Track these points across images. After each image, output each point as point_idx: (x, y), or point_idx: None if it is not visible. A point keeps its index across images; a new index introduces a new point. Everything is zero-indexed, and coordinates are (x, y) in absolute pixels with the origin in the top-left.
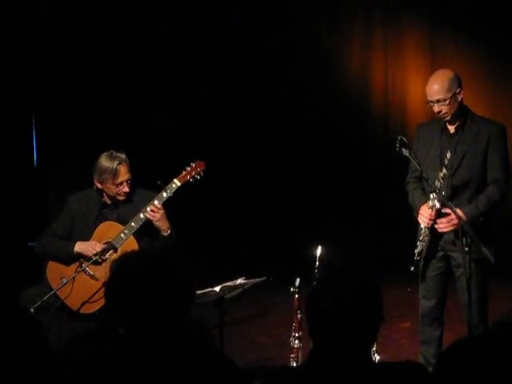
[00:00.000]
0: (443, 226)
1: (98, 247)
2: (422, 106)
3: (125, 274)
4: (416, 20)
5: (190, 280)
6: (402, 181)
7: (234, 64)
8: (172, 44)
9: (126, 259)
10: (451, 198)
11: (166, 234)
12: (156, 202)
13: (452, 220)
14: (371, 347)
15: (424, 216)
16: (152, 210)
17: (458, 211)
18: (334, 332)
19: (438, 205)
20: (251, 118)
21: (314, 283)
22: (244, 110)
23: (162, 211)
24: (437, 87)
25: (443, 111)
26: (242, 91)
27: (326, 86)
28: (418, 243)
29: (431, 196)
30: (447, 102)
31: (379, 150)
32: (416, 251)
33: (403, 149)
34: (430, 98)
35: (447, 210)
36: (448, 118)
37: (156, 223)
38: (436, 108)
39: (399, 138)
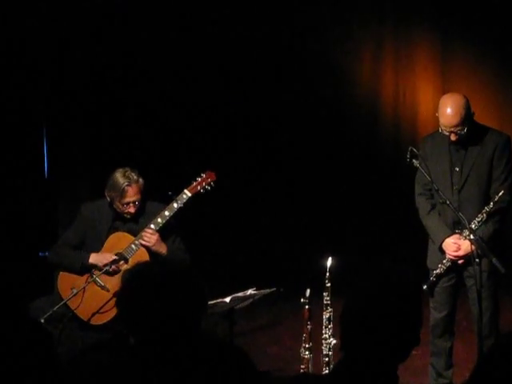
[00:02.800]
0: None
1: (112, 259)
2: (432, 117)
3: (137, 284)
4: (426, 32)
5: (201, 290)
6: (413, 192)
7: (243, 73)
8: (182, 54)
9: (137, 269)
10: (460, 211)
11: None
12: (150, 230)
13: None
14: (398, 367)
15: (463, 254)
16: (146, 237)
17: (469, 247)
18: (367, 345)
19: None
20: (260, 127)
21: (355, 290)
22: (253, 120)
23: (155, 236)
24: (456, 120)
25: (460, 137)
26: (251, 101)
27: (337, 97)
28: (440, 266)
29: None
30: (465, 128)
31: (389, 161)
32: (435, 272)
33: (414, 160)
34: (447, 129)
35: (462, 241)
36: (463, 139)
37: (153, 248)
38: (453, 137)
39: (410, 149)
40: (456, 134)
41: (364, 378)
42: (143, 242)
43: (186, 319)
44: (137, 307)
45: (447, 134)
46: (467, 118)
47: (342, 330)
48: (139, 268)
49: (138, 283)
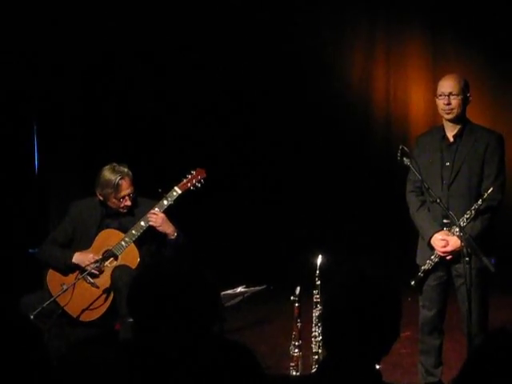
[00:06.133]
0: (450, 257)
1: (94, 259)
2: (423, 115)
3: (148, 286)
4: (418, 31)
5: (215, 293)
6: (404, 190)
7: (234, 71)
8: (170, 51)
9: (148, 270)
10: (449, 207)
11: (173, 237)
12: (156, 210)
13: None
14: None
15: (451, 250)
16: (151, 218)
17: (457, 242)
18: (349, 340)
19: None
20: (252, 125)
21: (333, 288)
22: (244, 117)
23: (161, 215)
24: (452, 82)
25: (452, 105)
26: (243, 98)
27: (328, 94)
28: (428, 261)
29: (455, 230)
30: (459, 97)
31: (380, 160)
32: (423, 268)
33: (404, 158)
34: (442, 90)
35: (450, 237)
36: (453, 115)
37: (160, 228)
38: (445, 100)
39: (400, 147)
40: (450, 96)
41: (347, 374)
42: (151, 223)
43: (196, 320)
44: (148, 309)
45: (440, 99)
46: (464, 92)
47: (323, 328)
48: (150, 269)
49: (150, 284)
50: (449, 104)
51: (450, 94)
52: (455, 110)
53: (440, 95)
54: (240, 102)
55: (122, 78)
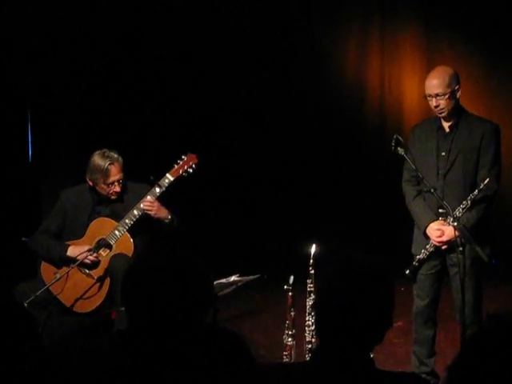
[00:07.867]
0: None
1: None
2: (417, 105)
3: (141, 276)
4: (412, 20)
5: (208, 284)
6: (399, 180)
7: (228, 60)
8: (162, 38)
9: (141, 260)
10: (444, 196)
11: (167, 221)
12: (149, 198)
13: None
14: (373, 349)
15: (446, 240)
16: (146, 206)
17: (452, 232)
18: (341, 329)
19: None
20: (246, 113)
21: (326, 276)
22: (239, 106)
23: (156, 203)
24: (437, 82)
25: (441, 106)
26: (236, 87)
27: (322, 85)
28: (423, 251)
29: (450, 220)
30: (446, 96)
31: (375, 149)
32: (418, 257)
33: (399, 148)
34: (428, 92)
35: (445, 226)
36: (444, 113)
37: (156, 216)
38: (434, 102)
39: (395, 136)
40: (437, 97)
41: (340, 362)
42: (147, 212)
43: (190, 310)
44: (141, 300)
45: (429, 99)
46: (450, 87)
47: (316, 316)
48: (143, 260)
49: (143, 275)
50: (437, 106)
51: (437, 95)
52: (445, 109)
53: (428, 96)
54: (233, 90)
55: (113, 65)
